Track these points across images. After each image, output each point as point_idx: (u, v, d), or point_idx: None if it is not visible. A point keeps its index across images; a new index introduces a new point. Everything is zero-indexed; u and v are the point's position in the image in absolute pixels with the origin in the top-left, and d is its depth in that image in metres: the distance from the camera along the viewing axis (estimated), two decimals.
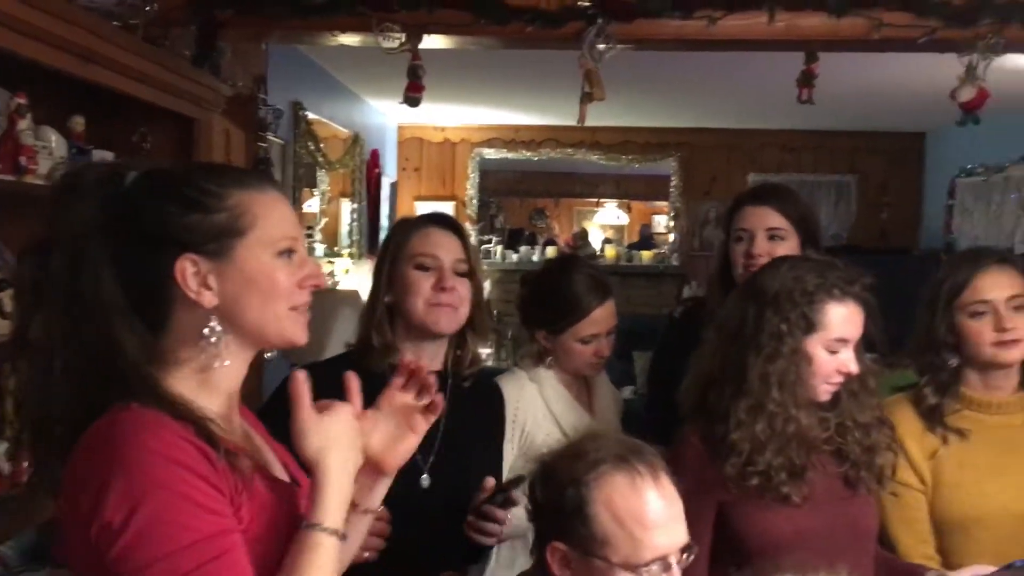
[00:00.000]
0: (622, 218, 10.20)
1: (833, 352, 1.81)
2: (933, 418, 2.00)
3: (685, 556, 1.40)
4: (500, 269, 7.21)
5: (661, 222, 8.41)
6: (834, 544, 1.80)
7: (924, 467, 1.98)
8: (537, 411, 2.23)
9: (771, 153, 7.18)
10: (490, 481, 1.77)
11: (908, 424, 2.00)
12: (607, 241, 8.92)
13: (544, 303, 2.29)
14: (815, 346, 1.82)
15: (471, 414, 1.90)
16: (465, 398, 1.89)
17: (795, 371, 1.81)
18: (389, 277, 1.87)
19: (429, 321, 1.84)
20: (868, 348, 1.92)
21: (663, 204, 7.74)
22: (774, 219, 2.22)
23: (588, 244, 8.27)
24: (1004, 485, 1.94)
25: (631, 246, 8.04)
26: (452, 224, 1.91)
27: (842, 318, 1.81)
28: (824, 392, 1.85)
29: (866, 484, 1.89)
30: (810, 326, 1.81)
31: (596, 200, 9.79)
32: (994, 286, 1.95)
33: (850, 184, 7.19)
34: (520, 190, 9.02)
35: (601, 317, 2.25)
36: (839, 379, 1.83)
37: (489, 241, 7.46)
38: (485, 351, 6.94)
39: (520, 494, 1.77)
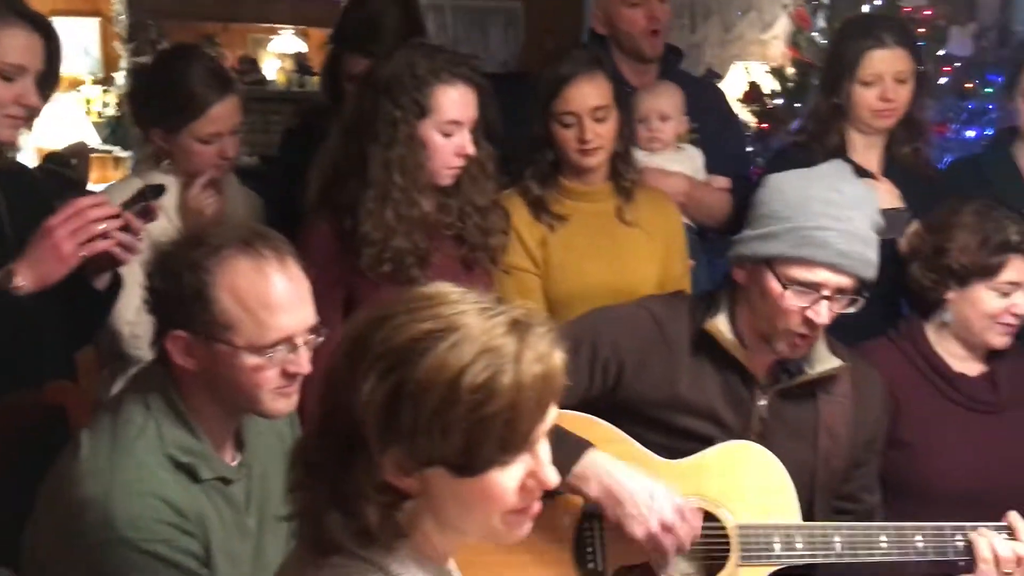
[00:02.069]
0: (300, 46, 9.75)
1: (448, 135, 1.87)
2: (539, 207, 2.16)
3: (313, 337, 1.42)
4: None
5: None
6: None
7: (537, 253, 2.15)
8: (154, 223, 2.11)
9: None
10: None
11: (519, 215, 2.15)
12: (283, 70, 8.52)
13: (157, 97, 2.13)
14: (429, 130, 1.87)
15: (35, 208, 1.75)
16: (23, 193, 1.75)
17: (413, 157, 1.86)
18: None
19: None
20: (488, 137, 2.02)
21: None
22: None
23: (258, 70, 7.86)
24: (601, 264, 2.16)
25: (301, 71, 7.76)
26: (41, 24, 1.68)
27: (452, 100, 1.86)
28: (445, 176, 1.92)
29: (482, 264, 2.02)
30: (422, 110, 1.85)
31: (269, 26, 9.24)
32: (580, 97, 2.08)
33: (518, 11, 7.33)
34: (184, 12, 8.29)
35: (222, 114, 2.13)
36: (459, 162, 1.91)
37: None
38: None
39: (159, 205, 1.70)
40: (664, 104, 2.45)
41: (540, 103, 2.11)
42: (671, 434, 1.75)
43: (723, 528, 1.72)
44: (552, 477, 1.03)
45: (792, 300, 1.66)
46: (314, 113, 2.50)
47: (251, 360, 1.40)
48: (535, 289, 2.16)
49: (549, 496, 1.64)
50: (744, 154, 2.98)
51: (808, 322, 1.67)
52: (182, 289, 1.39)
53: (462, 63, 1.91)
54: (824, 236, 1.63)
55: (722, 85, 4.08)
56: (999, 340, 2.01)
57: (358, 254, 1.87)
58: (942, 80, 3.61)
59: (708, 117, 2.62)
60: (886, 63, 2.26)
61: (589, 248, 2.17)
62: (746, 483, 1.73)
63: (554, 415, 1.01)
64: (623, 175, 2.18)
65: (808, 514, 1.77)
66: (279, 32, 9.56)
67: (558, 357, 1.00)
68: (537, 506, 1.04)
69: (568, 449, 1.63)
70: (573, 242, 2.16)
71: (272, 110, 6.44)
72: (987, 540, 1.66)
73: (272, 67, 8.61)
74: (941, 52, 3.67)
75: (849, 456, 1.82)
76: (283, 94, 6.87)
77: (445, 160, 1.90)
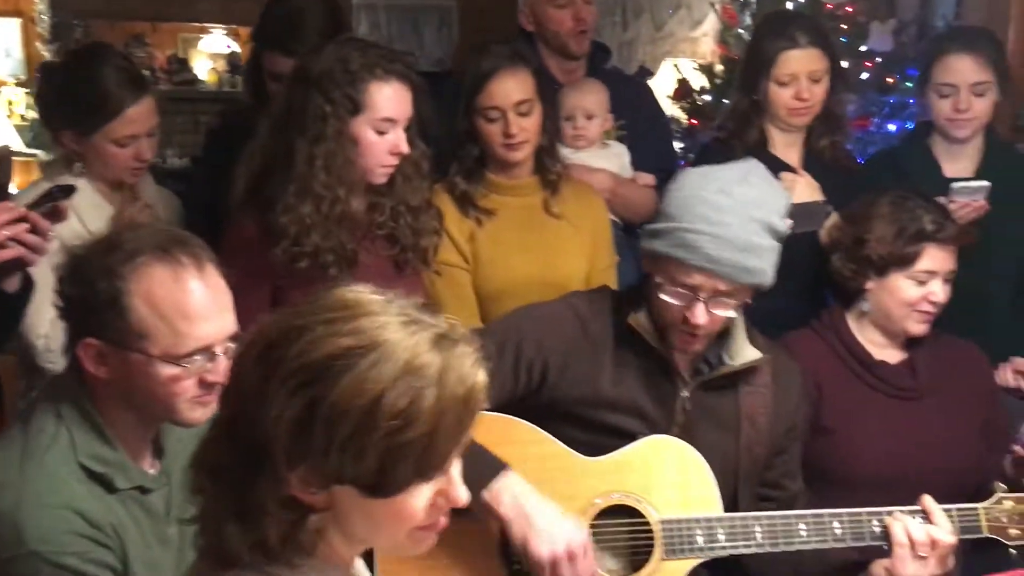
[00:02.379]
0: (232, 46, 9.59)
1: (382, 133, 1.85)
2: (465, 202, 2.16)
3: (233, 345, 1.39)
4: None
5: None
6: None
7: (465, 248, 2.15)
8: (68, 229, 1.93)
9: None
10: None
11: (447, 211, 2.15)
12: (215, 71, 8.36)
13: (69, 99, 2.07)
14: (362, 127, 1.85)
15: None
16: None
17: (342, 153, 1.83)
18: None
19: None
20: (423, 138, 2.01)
21: None
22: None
23: (189, 70, 7.72)
24: (529, 258, 2.17)
25: (233, 70, 7.64)
26: None
27: (386, 98, 1.84)
28: (379, 175, 1.90)
29: (412, 265, 2.01)
30: (355, 107, 1.83)
31: (200, 25, 9.07)
32: (503, 92, 2.09)
33: (451, 10, 7.32)
34: (109, 11, 8.10)
35: (138, 116, 2.08)
36: (393, 161, 1.89)
37: None
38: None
39: (68, 205, 1.65)
40: (589, 102, 2.47)
41: (464, 99, 2.10)
42: (595, 431, 1.75)
43: (647, 523, 1.72)
44: (462, 496, 1.00)
45: (665, 296, 1.67)
46: (235, 113, 2.46)
47: (167, 370, 1.36)
48: (466, 284, 2.16)
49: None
50: (671, 151, 3.02)
51: (687, 321, 1.67)
52: (95, 296, 1.35)
53: (397, 60, 1.89)
54: (695, 239, 1.63)
55: (653, 82, 4.12)
56: (917, 328, 2.06)
57: (275, 248, 1.84)
58: (864, 75, 3.70)
59: (636, 114, 2.65)
60: (800, 63, 2.30)
61: (517, 242, 2.17)
62: (667, 478, 1.73)
63: (471, 435, 0.99)
64: (549, 168, 2.19)
65: (732, 502, 1.79)
66: (210, 31, 9.40)
67: (481, 377, 0.97)
68: (444, 521, 1.02)
69: (484, 469, 1.61)
70: (501, 236, 2.17)
71: (202, 110, 6.34)
72: (902, 524, 1.69)
73: (205, 67, 8.47)
74: (863, 48, 3.76)
75: (770, 444, 1.84)
76: (214, 94, 6.75)
77: (379, 158, 1.88)
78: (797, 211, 2.14)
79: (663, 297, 1.68)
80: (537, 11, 2.57)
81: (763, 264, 1.68)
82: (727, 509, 1.76)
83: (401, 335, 0.94)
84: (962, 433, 2.07)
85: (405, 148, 1.88)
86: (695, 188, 1.68)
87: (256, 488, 0.96)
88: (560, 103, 2.44)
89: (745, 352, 1.78)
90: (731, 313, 1.70)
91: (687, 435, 1.77)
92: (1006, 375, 2.31)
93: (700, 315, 1.66)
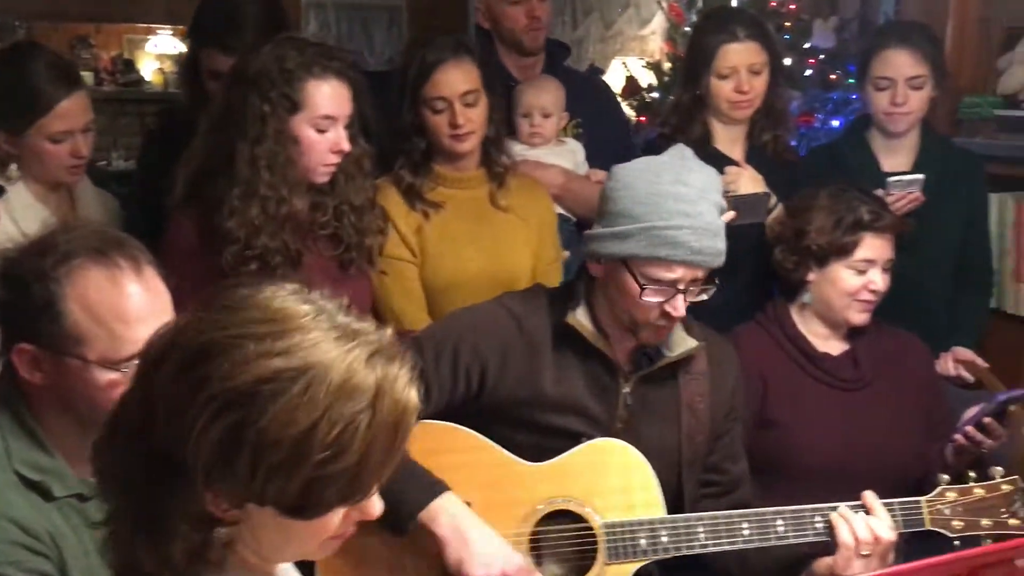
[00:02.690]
0: (180, 47, 9.45)
1: (322, 131, 1.84)
2: (412, 195, 2.15)
3: None
4: None
5: None
6: None
7: (413, 241, 2.14)
8: (1, 232, 1.93)
9: None
10: None
11: (394, 205, 2.14)
12: (161, 71, 8.24)
13: None
14: (302, 126, 1.83)
15: None
16: None
17: (284, 153, 1.82)
18: None
19: None
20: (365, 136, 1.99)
21: None
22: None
23: (135, 71, 7.59)
24: (478, 251, 2.17)
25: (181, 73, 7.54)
26: None
27: (325, 95, 1.83)
28: (321, 174, 1.89)
29: (357, 265, 2.00)
30: (294, 106, 1.82)
31: (146, 26, 8.93)
32: (449, 83, 2.08)
33: (400, 8, 7.29)
34: (52, 13, 7.93)
35: (71, 110, 2.04)
36: (335, 159, 1.88)
37: None
38: None
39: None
40: (546, 100, 2.49)
41: (409, 91, 2.09)
42: (540, 432, 1.74)
43: (590, 528, 1.71)
44: (377, 509, 0.98)
45: (650, 296, 1.67)
46: (174, 113, 2.43)
47: (105, 375, 1.34)
48: (413, 279, 2.15)
49: None
50: (630, 147, 3.02)
51: (666, 314, 1.68)
52: (29, 300, 1.32)
53: (335, 57, 1.88)
54: (677, 235, 1.62)
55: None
56: (858, 317, 2.09)
57: (223, 253, 1.82)
58: (807, 72, 3.75)
59: (594, 111, 2.66)
60: (740, 56, 2.33)
61: (465, 235, 2.16)
62: (609, 481, 1.72)
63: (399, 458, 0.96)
64: (495, 161, 2.18)
65: (677, 491, 1.79)
66: (157, 32, 9.24)
67: (413, 398, 0.94)
68: (353, 529, 0.99)
69: (423, 489, 1.61)
70: (449, 229, 2.16)
71: (148, 112, 6.24)
72: (847, 525, 1.68)
73: (151, 68, 8.35)
74: (806, 45, 3.81)
75: (710, 430, 1.84)
76: (160, 95, 6.64)
77: (320, 157, 1.87)
78: (741, 203, 2.17)
79: (647, 299, 1.66)
80: (492, 8, 2.60)
81: (724, 244, 1.70)
82: (671, 499, 1.76)
83: (335, 353, 0.89)
84: (904, 423, 2.11)
85: (346, 146, 1.88)
86: (650, 184, 1.66)
87: (166, 502, 0.91)
88: (517, 100, 2.46)
89: (683, 342, 1.79)
90: (703, 296, 1.71)
91: (630, 431, 1.77)
92: (947, 364, 2.37)
93: (682, 306, 1.67)
